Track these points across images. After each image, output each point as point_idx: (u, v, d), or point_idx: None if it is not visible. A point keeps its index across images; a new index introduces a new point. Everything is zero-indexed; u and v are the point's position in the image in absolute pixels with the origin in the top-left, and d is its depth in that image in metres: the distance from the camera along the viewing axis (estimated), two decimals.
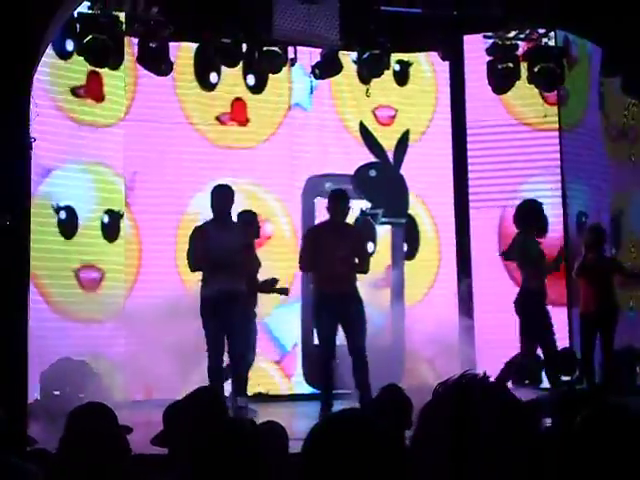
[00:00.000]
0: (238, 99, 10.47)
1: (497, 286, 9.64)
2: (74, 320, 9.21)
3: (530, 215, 8.64)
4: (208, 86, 10.30)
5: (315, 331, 8.34)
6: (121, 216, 9.69)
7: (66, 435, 2.94)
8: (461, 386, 1.62)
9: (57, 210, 9.20)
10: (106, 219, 9.58)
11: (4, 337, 6.41)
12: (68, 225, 9.27)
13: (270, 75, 10.28)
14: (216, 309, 7.44)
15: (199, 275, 7.88)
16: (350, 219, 10.65)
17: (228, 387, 7.89)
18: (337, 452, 1.68)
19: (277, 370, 10.18)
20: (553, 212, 10.11)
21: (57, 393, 8.34)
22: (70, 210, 9.30)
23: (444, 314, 10.32)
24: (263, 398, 9.38)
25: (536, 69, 9.98)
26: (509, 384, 8.63)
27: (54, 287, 9.11)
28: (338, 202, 8.01)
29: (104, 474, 2.67)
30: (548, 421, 3.76)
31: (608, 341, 8.68)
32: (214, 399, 3.72)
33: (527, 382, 9.20)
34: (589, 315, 8.68)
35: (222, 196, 7.88)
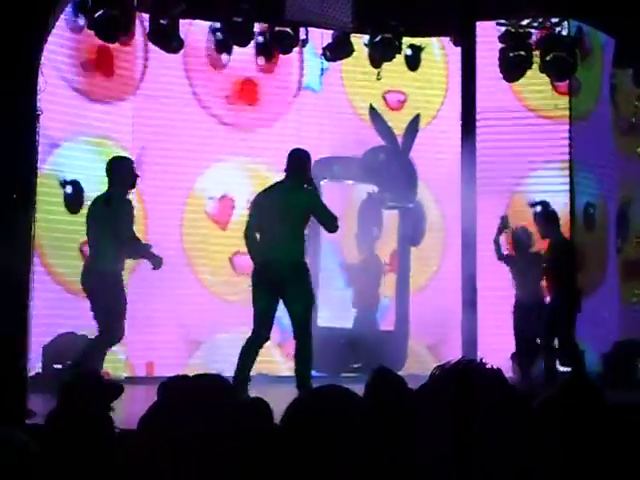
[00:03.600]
0: (248, 79, 10.44)
1: (502, 273, 9.61)
2: (77, 294, 9.23)
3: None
4: (218, 65, 10.28)
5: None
6: None
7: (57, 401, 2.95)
8: (458, 370, 1.63)
9: (63, 184, 9.20)
10: None
11: (7, 310, 6.42)
12: (74, 200, 9.26)
13: (281, 56, 10.25)
14: None
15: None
16: (357, 202, 10.69)
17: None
18: (316, 426, 1.68)
19: (278, 350, 10.20)
20: (560, 202, 10.09)
21: (59, 367, 8.37)
22: (76, 185, 9.29)
23: (448, 301, 10.34)
24: (265, 379, 9.40)
25: (548, 58, 9.94)
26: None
27: (58, 260, 9.12)
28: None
29: (86, 448, 2.68)
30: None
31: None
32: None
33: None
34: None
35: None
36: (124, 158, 7.72)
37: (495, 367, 1.66)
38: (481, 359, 1.67)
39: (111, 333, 7.31)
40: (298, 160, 7.32)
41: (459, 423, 1.57)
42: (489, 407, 1.59)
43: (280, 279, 6.97)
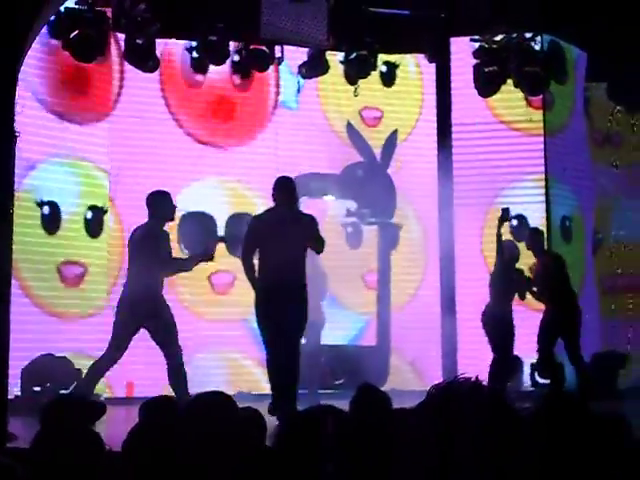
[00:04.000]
0: (224, 97, 10.45)
1: (480, 287, 9.65)
2: (56, 316, 9.18)
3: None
4: (194, 83, 10.29)
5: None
6: (105, 212, 9.66)
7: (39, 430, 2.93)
8: (452, 389, 1.64)
9: (40, 205, 9.15)
10: (89, 215, 9.55)
11: None
12: (51, 220, 9.23)
13: (256, 74, 10.28)
14: None
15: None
16: (337, 219, 10.69)
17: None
18: (308, 446, 1.68)
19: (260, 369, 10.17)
20: (537, 215, 10.16)
21: (38, 389, 8.31)
22: (53, 205, 9.25)
23: (429, 315, 10.37)
24: (246, 397, 9.37)
25: (522, 73, 10.02)
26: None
27: (36, 282, 9.06)
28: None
29: (77, 470, 2.66)
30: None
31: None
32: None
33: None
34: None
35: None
36: (163, 192, 7.83)
37: (484, 384, 1.67)
38: (476, 377, 1.67)
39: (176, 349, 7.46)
40: (288, 187, 7.57)
41: (445, 443, 1.57)
42: (482, 425, 1.59)
43: (284, 300, 7.17)
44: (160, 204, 7.59)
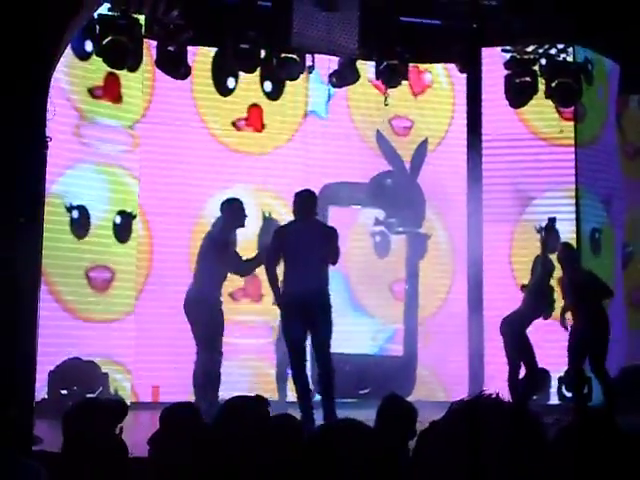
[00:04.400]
0: (255, 105, 10.48)
1: (507, 297, 9.58)
2: (84, 320, 9.23)
3: None
4: (225, 91, 10.32)
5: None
6: (134, 217, 9.70)
7: (63, 435, 2.94)
8: (475, 405, 1.62)
9: (70, 209, 9.21)
10: (118, 220, 9.60)
11: (13, 335, 6.42)
12: (80, 225, 9.28)
13: (287, 82, 10.30)
14: None
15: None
16: (365, 228, 10.68)
17: None
18: (333, 463, 1.67)
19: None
20: (566, 228, 10.08)
21: (65, 392, 8.36)
22: (83, 210, 9.32)
23: (456, 327, 10.32)
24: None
25: (553, 84, 9.97)
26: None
27: (65, 286, 9.12)
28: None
29: (100, 473, 2.67)
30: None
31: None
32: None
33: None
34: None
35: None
36: (235, 200, 8.18)
37: (509, 401, 1.65)
38: (497, 393, 1.65)
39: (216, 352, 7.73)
40: (311, 200, 7.78)
41: (472, 459, 1.55)
42: (506, 442, 1.57)
43: (311, 308, 7.35)
44: (231, 211, 7.94)
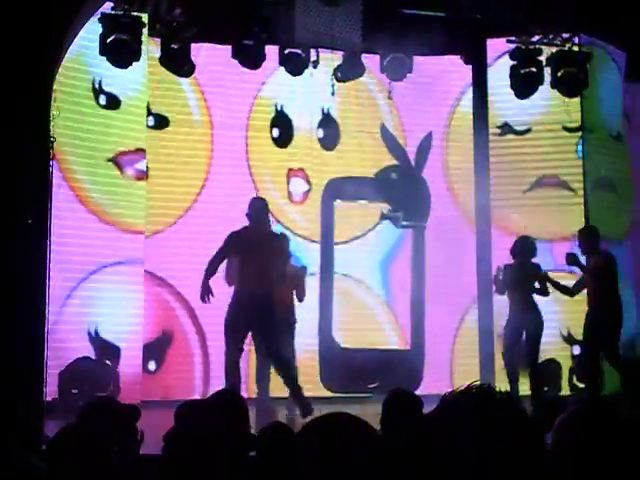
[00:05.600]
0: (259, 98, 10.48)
1: None
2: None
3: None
4: (230, 86, 10.33)
5: None
6: None
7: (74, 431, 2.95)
8: (470, 396, 1.62)
9: None
10: None
11: (23, 337, 6.44)
12: None
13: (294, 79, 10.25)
14: None
15: None
16: (371, 222, 10.67)
17: None
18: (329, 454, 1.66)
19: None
20: (574, 220, 10.03)
21: (75, 391, 8.38)
22: None
23: (465, 319, 10.31)
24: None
25: (559, 74, 9.93)
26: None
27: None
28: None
29: (111, 471, 2.67)
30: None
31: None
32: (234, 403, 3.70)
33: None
34: None
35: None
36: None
37: (505, 391, 1.65)
38: (495, 386, 1.65)
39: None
40: (264, 209, 8.05)
41: (475, 447, 1.55)
42: (504, 431, 1.57)
43: (256, 312, 7.63)
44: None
